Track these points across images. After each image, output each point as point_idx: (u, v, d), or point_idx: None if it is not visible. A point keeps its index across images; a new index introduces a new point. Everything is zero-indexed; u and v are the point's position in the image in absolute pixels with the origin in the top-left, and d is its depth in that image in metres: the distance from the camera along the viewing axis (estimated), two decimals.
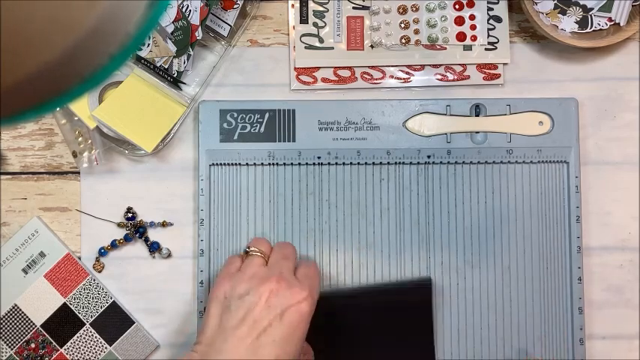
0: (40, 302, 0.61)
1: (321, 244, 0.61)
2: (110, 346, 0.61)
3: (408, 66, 0.63)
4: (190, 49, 0.60)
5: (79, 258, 0.62)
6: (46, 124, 0.63)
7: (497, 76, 0.63)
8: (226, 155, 0.61)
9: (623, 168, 0.63)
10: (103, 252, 0.62)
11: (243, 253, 0.56)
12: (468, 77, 0.63)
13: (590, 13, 0.61)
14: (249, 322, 0.49)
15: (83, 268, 0.61)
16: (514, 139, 0.61)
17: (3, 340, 0.61)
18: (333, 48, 0.63)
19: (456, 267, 0.61)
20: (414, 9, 0.63)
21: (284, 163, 0.61)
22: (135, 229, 0.62)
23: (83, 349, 0.61)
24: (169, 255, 0.62)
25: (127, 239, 0.62)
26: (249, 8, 0.63)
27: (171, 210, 0.62)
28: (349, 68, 0.63)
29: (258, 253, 0.54)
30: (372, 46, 0.63)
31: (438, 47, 0.63)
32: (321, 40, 0.63)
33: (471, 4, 0.63)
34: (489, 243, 0.61)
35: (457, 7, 0.63)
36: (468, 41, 0.63)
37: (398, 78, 0.63)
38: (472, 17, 0.63)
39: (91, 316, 0.61)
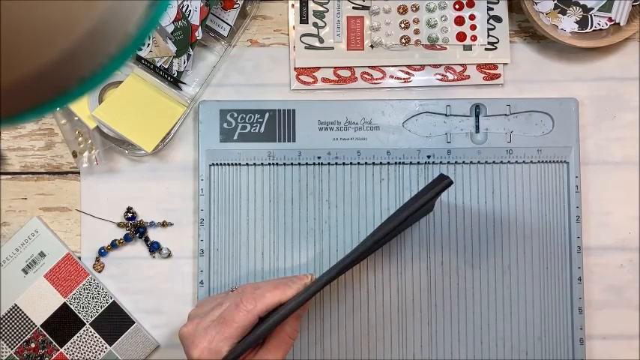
0: (40, 302, 0.61)
1: (321, 244, 0.61)
2: (110, 346, 0.61)
3: (408, 66, 0.63)
4: (190, 49, 0.60)
5: (79, 258, 0.62)
6: (46, 124, 0.63)
7: (497, 76, 0.63)
8: (226, 155, 0.61)
9: (623, 168, 0.63)
10: (103, 252, 0.62)
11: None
12: (468, 77, 0.63)
13: (590, 13, 0.61)
14: None
15: (83, 268, 0.61)
16: (514, 139, 0.61)
17: (3, 340, 0.61)
18: (333, 48, 0.63)
19: (456, 267, 0.61)
20: (414, 9, 0.63)
21: (284, 163, 0.61)
22: (135, 229, 0.62)
23: (83, 349, 0.61)
24: (169, 255, 0.62)
25: (127, 239, 0.62)
26: (249, 8, 0.63)
27: (172, 210, 0.62)
28: (349, 68, 0.63)
29: None
30: (372, 46, 0.63)
31: (438, 47, 0.63)
32: (321, 40, 0.63)
33: (471, 4, 0.63)
34: (489, 243, 0.61)
35: (457, 7, 0.63)
36: (468, 41, 0.63)
37: (398, 78, 0.63)
38: (472, 17, 0.63)
39: (91, 316, 0.61)
